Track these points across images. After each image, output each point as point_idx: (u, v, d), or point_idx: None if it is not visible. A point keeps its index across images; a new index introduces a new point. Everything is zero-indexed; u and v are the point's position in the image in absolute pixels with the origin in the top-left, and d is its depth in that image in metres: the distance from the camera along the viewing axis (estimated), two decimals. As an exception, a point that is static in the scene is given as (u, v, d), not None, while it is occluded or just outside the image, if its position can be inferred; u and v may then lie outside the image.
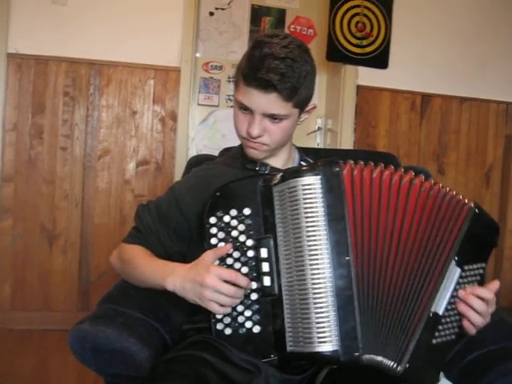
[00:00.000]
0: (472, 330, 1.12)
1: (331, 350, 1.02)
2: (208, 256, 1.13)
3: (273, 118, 1.25)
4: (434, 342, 1.09)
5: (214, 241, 1.14)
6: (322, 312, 1.02)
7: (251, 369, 1.09)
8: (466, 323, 1.11)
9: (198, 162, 1.63)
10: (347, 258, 1.05)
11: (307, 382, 1.17)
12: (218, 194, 1.16)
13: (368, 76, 3.30)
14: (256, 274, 1.11)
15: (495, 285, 1.12)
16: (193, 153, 3.26)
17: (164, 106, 3.09)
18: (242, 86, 1.24)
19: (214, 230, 1.14)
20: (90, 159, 3.02)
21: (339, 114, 3.29)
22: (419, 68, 3.38)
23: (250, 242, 1.12)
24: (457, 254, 1.10)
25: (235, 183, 1.18)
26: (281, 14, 3.49)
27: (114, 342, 1.16)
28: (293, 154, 1.46)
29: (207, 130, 3.43)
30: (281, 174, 1.12)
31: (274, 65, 1.18)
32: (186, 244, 1.34)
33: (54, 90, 2.96)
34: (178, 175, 2.94)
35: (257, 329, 1.11)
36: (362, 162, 1.12)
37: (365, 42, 3.25)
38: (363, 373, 1.09)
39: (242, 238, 1.13)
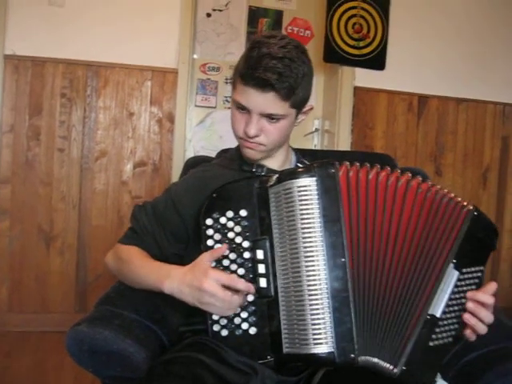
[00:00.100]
0: (473, 337, 1.12)
1: (327, 351, 1.02)
2: (205, 258, 1.13)
3: (270, 117, 1.25)
4: (432, 344, 1.08)
5: (210, 242, 1.14)
6: (317, 314, 1.02)
7: (248, 370, 1.09)
8: (468, 332, 1.11)
9: (195, 164, 1.63)
10: (343, 259, 1.05)
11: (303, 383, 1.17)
12: (214, 195, 1.16)
13: (365, 77, 3.30)
14: (252, 276, 1.11)
15: (493, 287, 1.11)
16: (190, 154, 3.26)
17: (161, 107, 3.09)
18: (240, 86, 1.24)
19: (210, 232, 1.14)
20: (87, 161, 3.02)
21: (336, 116, 3.29)
22: (416, 69, 3.38)
23: (246, 244, 1.13)
24: (455, 256, 1.10)
25: (231, 185, 1.18)
26: (278, 15, 3.49)
27: (111, 344, 1.16)
28: (290, 155, 1.46)
29: (204, 131, 3.43)
30: (277, 175, 1.12)
31: (271, 64, 1.18)
32: (182, 245, 1.34)
33: (51, 92, 2.96)
34: (175, 176, 2.94)
35: (253, 330, 1.11)
36: (357, 164, 1.12)
37: (362, 44, 3.26)
38: (359, 374, 1.08)
39: (239, 240, 1.13)
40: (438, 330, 1.09)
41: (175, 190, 1.39)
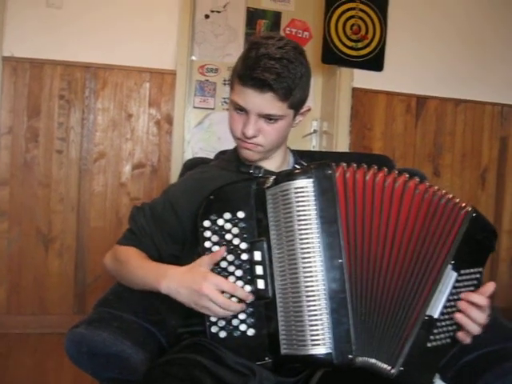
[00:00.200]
0: (467, 340, 1.11)
1: (325, 352, 1.02)
2: (204, 262, 1.13)
3: (268, 118, 1.25)
4: (429, 345, 1.08)
5: (207, 244, 1.14)
6: (315, 315, 1.03)
7: (246, 372, 1.09)
8: (460, 334, 1.10)
9: (193, 165, 1.63)
10: (340, 260, 1.05)
11: (302, 385, 1.17)
12: (211, 197, 1.16)
13: (363, 78, 3.31)
14: (250, 277, 1.11)
15: (490, 288, 1.11)
16: (188, 156, 3.26)
17: (159, 108, 3.09)
18: (238, 87, 1.25)
19: (207, 234, 1.15)
20: (86, 162, 3.02)
21: (335, 117, 3.29)
22: (414, 70, 3.39)
23: (243, 245, 1.13)
24: (453, 258, 1.09)
25: (229, 186, 1.18)
26: (276, 16, 3.49)
27: (109, 346, 1.16)
28: (287, 157, 1.46)
29: (203, 132, 3.43)
30: (274, 177, 1.12)
31: (269, 65, 1.19)
32: (179, 247, 1.34)
33: (49, 94, 2.96)
34: (173, 178, 2.94)
35: (251, 332, 1.11)
36: (354, 165, 1.12)
37: (360, 45, 3.26)
38: (358, 375, 1.08)
39: (236, 241, 1.13)
40: (435, 331, 1.09)
41: (173, 191, 1.40)
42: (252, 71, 1.19)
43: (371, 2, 3.25)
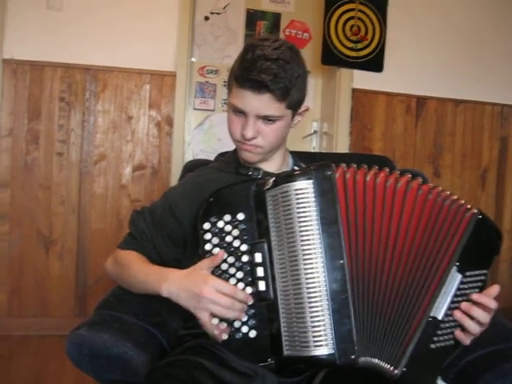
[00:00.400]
0: (465, 341, 1.11)
1: (327, 353, 1.02)
2: (204, 265, 1.13)
3: (266, 119, 1.25)
4: (433, 346, 1.08)
5: (208, 246, 1.14)
6: (317, 316, 1.03)
7: (248, 373, 1.09)
8: (458, 333, 1.10)
9: (193, 167, 1.63)
10: (341, 261, 1.05)
11: (305, 385, 1.17)
12: (211, 199, 1.16)
13: (363, 79, 3.31)
14: (251, 279, 1.11)
15: (495, 290, 1.11)
16: (189, 157, 3.27)
17: (160, 110, 3.09)
18: (235, 89, 1.25)
19: (208, 236, 1.15)
20: (86, 164, 3.02)
21: (335, 118, 3.30)
22: (414, 71, 3.39)
23: (244, 247, 1.13)
24: (458, 260, 1.09)
25: (228, 188, 1.18)
26: (276, 18, 3.50)
27: (111, 348, 1.16)
28: (287, 158, 1.46)
29: (203, 134, 3.44)
30: (273, 178, 1.12)
31: (265, 66, 1.19)
32: (180, 250, 1.34)
33: (49, 96, 2.96)
34: (174, 180, 2.94)
35: (253, 333, 1.11)
36: (354, 165, 1.12)
37: (360, 46, 3.26)
38: (361, 375, 1.09)
39: (237, 243, 1.13)
40: (439, 332, 1.09)
41: (172, 194, 1.40)
42: (249, 73, 1.19)
43: (371, 3, 3.25)
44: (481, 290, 1.12)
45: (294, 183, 1.07)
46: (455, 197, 1.13)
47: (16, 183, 2.94)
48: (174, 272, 1.19)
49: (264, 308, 1.11)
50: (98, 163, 3.03)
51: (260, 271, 1.10)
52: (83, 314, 2.96)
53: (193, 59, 3.35)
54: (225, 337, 1.12)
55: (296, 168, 1.44)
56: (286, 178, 1.10)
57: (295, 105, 1.29)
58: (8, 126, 2.93)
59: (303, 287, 1.04)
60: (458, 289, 1.09)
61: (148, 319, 1.32)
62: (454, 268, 1.09)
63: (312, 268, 1.04)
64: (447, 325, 1.10)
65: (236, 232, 1.14)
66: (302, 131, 3.53)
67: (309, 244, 1.05)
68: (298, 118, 1.36)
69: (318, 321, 1.03)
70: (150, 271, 1.25)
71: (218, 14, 3.40)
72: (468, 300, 1.10)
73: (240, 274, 1.12)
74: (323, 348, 1.02)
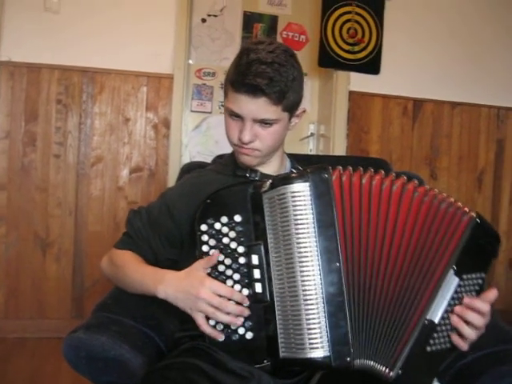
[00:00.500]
0: (463, 346, 1.10)
1: (323, 355, 1.02)
2: (200, 265, 1.13)
3: (263, 123, 1.26)
4: (429, 349, 1.08)
5: (205, 248, 1.14)
6: (313, 318, 1.03)
7: (244, 375, 1.09)
8: (454, 338, 1.09)
9: (190, 169, 1.64)
10: (337, 264, 1.05)
11: (301, 386, 1.17)
12: (208, 201, 1.17)
13: (360, 82, 3.31)
14: (248, 281, 1.12)
15: (492, 294, 1.10)
16: (186, 159, 3.27)
17: (157, 112, 3.10)
18: (231, 94, 1.25)
19: (205, 238, 1.15)
20: (84, 166, 3.02)
21: (332, 120, 3.30)
22: (411, 73, 3.39)
23: (241, 249, 1.13)
24: (455, 263, 1.09)
25: (225, 190, 1.18)
26: (273, 20, 3.50)
27: (108, 350, 1.16)
28: (284, 161, 1.46)
29: (200, 136, 3.44)
30: (270, 180, 1.12)
31: (261, 69, 1.19)
32: (176, 250, 1.35)
33: (46, 98, 2.96)
34: (171, 182, 2.94)
35: (249, 335, 1.11)
36: (350, 168, 1.12)
37: (356, 48, 3.27)
38: (356, 377, 1.09)
39: (233, 245, 1.13)
40: (435, 335, 1.09)
41: (170, 195, 1.40)
42: (244, 77, 1.20)
43: (367, 6, 3.26)
44: (478, 293, 1.12)
45: (290, 185, 1.07)
46: (452, 199, 1.13)
47: (13, 185, 2.94)
48: (169, 274, 1.20)
49: (260, 310, 1.11)
50: (94, 165, 3.03)
51: (257, 273, 1.10)
52: (80, 316, 2.96)
53: (190, 61, 3.36)
54: (221, 338, 1.12)
55: (293, 170, 1.44)
56: (283, 180, 1.10)
57: (292, 107, 1.30)
58: (5, 128, 2.93)
59: (299, 289, 1.04)
60: (455, 292, 1.09)
61: (145, 322, 1.32)
62: (451, 271, 1.09)
63: (308, 271, 1.04)
64: (443, 328, 1.09)
65: (233, 234, 1.14)
66: (299, 133, 3.53)
67: (305, 246, 1.05)
68: (295, 120, 1.36)
69: (314, 323, 1.03)
70: (146, 272, 1.26)
71: (215, 16, 3.41)
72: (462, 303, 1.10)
73: (237, 276, 1.12)
74: (319, 350, 1.03)
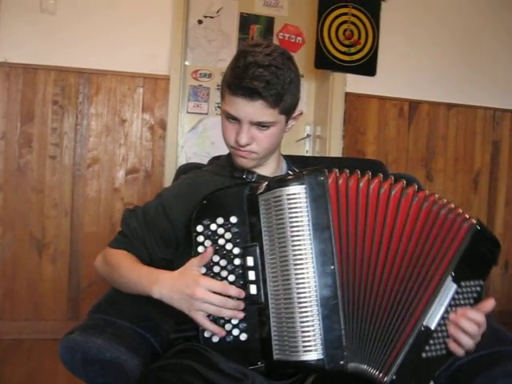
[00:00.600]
0: (460, 352, 1.10)
1: (316, 358, 1.02)
2: (194, 264, 1.14)
3: (260, 125, 1.26)
4: (424, 355, 1.08)
5: (200, 249, 1.15)
6: (307, 321, 1.03)
7: (238, 376, 1.10)
8: (452, 345, 1.09)
9: (187, 171, 1.63)
10: (332, 267, 1.05)
11: (296, 387, 1.17)
12: (204, 202, 1.17)
13: (356, 83, 3.32)
14: (243, 282, 1.12)
15: (489, 304, 1.10)
16: (182, 161, 3.27)
17: (153, 114, 3.09)
18: (228, 96, 1.25)
19: (200, 239, 1.15)
20: (80, 168, 3.02)
21: (328, 121, 3.31)
22: (407, 75, 3.40)
23: (236, 250, 1.13)
24: (454, 269, 1.09)
25: (222, 191, 1.19)
26: (269, 22, 3.51)
27: (103, 352, 1.16)
28: (281, 163, 1.46)
29: (196, 137, 3.44)
30: (266, 182, 1.12)
31: (258, 73, 1.19)
32: (171, 251, 1.35)
33: (42, 99, 2.96)
34: (167, 183, 2.94)
35: (244, 336, 1.11)
36: (347, 171, 1.12)
37: (353, 50, 3.28)
38: (351, 379, 1.09)
39: (229, 246, 1.13)
40: (431, 341, 1.08)
41: (166, 195, 1.40)
42: (241, 80, 1.20)
43: (363, 7, 3.27)
44: (476, 300, 1.12)
45: (286, 188, 1.07)
46: (452, 205, 1.13)
47: (9, 186, 2.94)
48: (164, 274, 1.19)
49: (255, 311, 1.11)
50: (91, 166, 3.03)
51: (251, 275, 1.11)
52: (76, 317, 2.96)
53: (186, 63, 3.36)
54: (215, 339, 1.12)
55: (290, 172, 1.44)
56: (279, 182, 1.10)
57: (289, 110, 1.30)
58: (1, 129, 2.92)
59: (293, 292, 1.04)
60: (453, 299, 1.09)
61: (140, 323, 1.32)
62: (449, 278, 1.09)
63: (303, 273, 1.04)
64: (440, 334, 1.09)
65: (228, 235, 1.14)
66: (296, 135, 3.53)
67: (300, 249, 1.05)
68: (291, 122, 1.36)
69: (308, 326, 1.03)
70: (141, 272, 1.25)
71: (212, 17, 3.41)
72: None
73: (232, 277, 1.12)
74: (312, 353, 1.03)
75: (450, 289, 1.09)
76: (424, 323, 1.07)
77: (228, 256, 1.13)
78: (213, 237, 1.15)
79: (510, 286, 3.52)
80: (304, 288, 1.04)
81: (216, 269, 1.13)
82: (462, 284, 1.10)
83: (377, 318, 1.08)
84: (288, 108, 1.29)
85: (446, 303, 1.08)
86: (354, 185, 1.11)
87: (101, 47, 2.99)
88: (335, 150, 3.28)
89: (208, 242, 1.14)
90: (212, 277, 1.13)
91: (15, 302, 2.96)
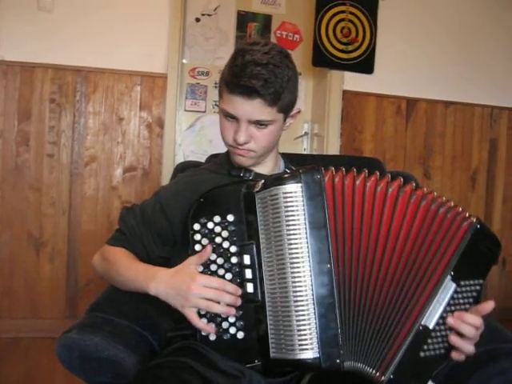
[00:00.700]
0: (461, 358, 1.10)
1: (312, 357, 1.02)
2: (192, 261, 1.14)
3: (258, 124, 1.26)
4: (422, 354, 1.08)
5: (197, 247, 1.15)
6: (303, 319, 1.03)
7: (235, 374, 1.09)
8: (454, 354, 1.09)
9: (184, 169, 1.64)
10: (328, 265, 1.05)
11: (292, 385, 1.18)
12: (201, 200, 1.17)
13: (354, 81, 3.32)
14: (239, 280, 1.12)
15: (488, 307, 1.09)
16: (180, 159, 3.27)
17: (151, 112, 3.09)
18: (226, 95, 1.25)
19: (197, 237, 1.15)
20: (77, 166, 3.01)
21: (325, 119, 3.31)
22: (404, 73, 3.40)
23: (233, 249, 1.13)
24: (453, 269, 1.09)
25: (219, 189, 1.19)
26: (267, 19, 3.50)
27: (101, 350, 1.16)
28: (279, 161, 1.47)
29: (194, 135, 3.44)
30: (263, 180, 1.13)
31: (256, 71, 1.19)
32: (169, 248, 1.35)
33: (40, 97, 2.95)
34: (165, 181, 2.94)
35: (241, 335, 1.11)
36: (343, 169, 1.12)
37: (350, 48, 3.28)
38: (348, 377, 1.09)
39: (226, 245, 1.14)
40: (430, 341, 1.08)
41: (164, 193, 1.40)
42: (239, 79, 1.20)
43: (361, 5, 3.27)
44: (475, 300, 1.12)
45: (282, 186, 1.07)
46: (452, 204, 1.13)
47: (6, 185, 2.93)
48: (161, 271, 1.20)
49: (252, 310, 1.11)
50: (88, 165, 3.03)
51: (248, 273, 1.11)
52: (74, 315, 2.96)
53: (184, 61, 3.35)
54: (212, 337, 1.12)
55: (287, 170, 1.44)
56: (275, 180, 1.10)
57: (287, 108, 1.30)
58: (-2, 127, 2.92)
59: (290, 291, 1.05)
60: (452, 298, 1.09)
61: (138, 321, 1.32)
62: (448, 277, 1.09)
63: (299, 272, 1.04)
64: (438, 334, 1.09)
65: (225, 233, 1.14)
66: (293, 133, 3.53)
67: (296, 248, 1.05)
68: (289, 120, 1.37)
69: (304, 324, 1.03)
70: (138, 269, 1.26)
71: (209, 15, 3.41)
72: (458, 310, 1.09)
73: (229, 276, 1.13)
74: (308, 352, 1.03)
75: (449, 288, 1.09)
76: (422, 322, 1.07)
77: (225, 254, 1.14)
78: (210, 235, 1.15)
79: (508, 284, 3.53)
80: (300, 286, 1.04)
81: (213, 267, 1.14)
82: (462, 283, 1.10)
83: (373, 316, 1.08)
84: (286, 106, 1.29)
85: (444, 302, 1.08)
86: (350, 183, 1.11)
87: (98, 45, 2.99)
88: (333, 148, 3.28)
89: (205, 241, 1.15)
90: (209, 275, 1.13)
91: (13, 300, 2.96)
